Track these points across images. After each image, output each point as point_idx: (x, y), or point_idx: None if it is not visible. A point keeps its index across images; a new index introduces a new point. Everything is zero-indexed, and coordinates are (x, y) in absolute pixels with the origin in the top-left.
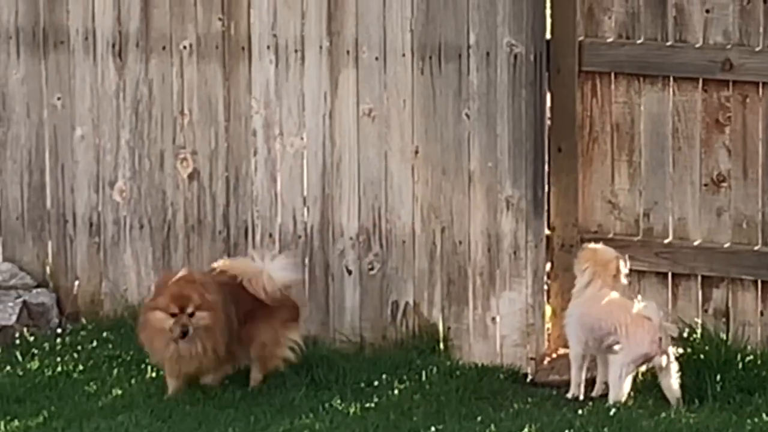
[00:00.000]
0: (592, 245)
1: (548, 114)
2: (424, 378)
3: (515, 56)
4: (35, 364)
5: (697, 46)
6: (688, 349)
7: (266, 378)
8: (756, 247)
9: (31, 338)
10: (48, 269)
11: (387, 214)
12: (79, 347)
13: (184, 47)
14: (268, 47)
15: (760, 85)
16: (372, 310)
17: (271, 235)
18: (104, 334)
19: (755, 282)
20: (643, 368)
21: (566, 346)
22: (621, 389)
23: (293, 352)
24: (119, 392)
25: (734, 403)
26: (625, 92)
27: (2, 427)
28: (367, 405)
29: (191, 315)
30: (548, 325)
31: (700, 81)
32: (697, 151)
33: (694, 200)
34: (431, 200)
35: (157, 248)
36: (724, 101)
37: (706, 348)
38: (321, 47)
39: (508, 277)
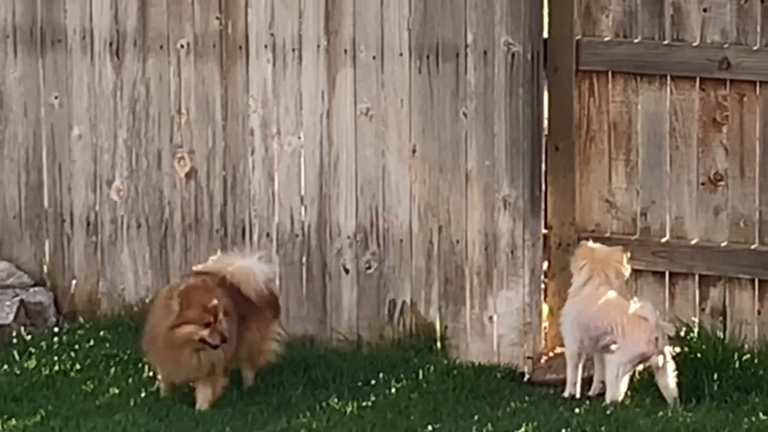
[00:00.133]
0: (589, 243)
1: (546, 113)
2: (421, 377)
3: (512, 55)
4: (32, 363)
5: (695, 45)
6: (686, 348)
7: (257, 375)
8: (753, 246)
9: (29, 337)
10: (45, 268)
11: (384, 213)
12: (77, 346)
13: (182, 46)
14: (266, 46)
15: (758, 84)
16: (369, 309)
17: (268, 235)
18: (101, 333)
19: (752, 281)
20: (639, 367)
21: (563, 345)
22: (618, 388)
23: (278, 343)
24: (116, 391)
25: (731, 402)
26: (623, 91)
27: (0, 426)
28: (365, 404)
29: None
30: (545, 324)
31: (698, 80)
32: (694, 150)
33: (692, 199)
34: (428, 199)
35: (154, 247)
36: (722, 100)
37: (703, 347)
38: (318, 46)
39: (505, 276)
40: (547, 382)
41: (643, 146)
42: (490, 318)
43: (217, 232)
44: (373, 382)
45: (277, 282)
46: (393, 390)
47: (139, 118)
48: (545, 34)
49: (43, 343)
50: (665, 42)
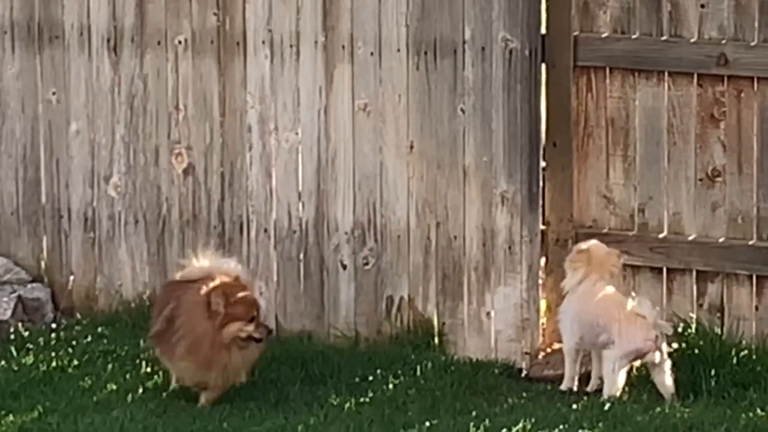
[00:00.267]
0: (584, 245)
1: (543, 109)
2: (418, 373)
3: (510, 51)
4: (30, 359)
5: (692, 40)
6: (683, 344)
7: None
8: (751, 242)
9: (26, 333)
10: (43, 264)
11: (382, 209)
12: (74, 342)
13: (179, 42)
14: (263, 42)
15: (755, 79)
16: (367, 304)
17: (266, 230)
18: (99, 329)
19: (750, 277)
20: (636, 363)
21: (561, 341)
22: (615, 384)
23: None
24: (114, 387)
25: (729, 398)
26: (620, 87)
27: None
28: (362, 400)
29: None
30: (543, 319)
31: (695, 76)
32: (692, 146)
33: (689, 195)
34: (426, 195)
35: (152, 243)
36: (719, 96)
37: (701, 343)
38: (316, 42)
39: (502, 272)
40: (544, 378)
41: (640, 142)
42: (488, 314)
43: (215, 228)
44: (370, 378)
45: (275, 278)
46: (390, 386)
47: (136, 114)
48: (543, 30)
49: (41, 339)
50: (663, 38)
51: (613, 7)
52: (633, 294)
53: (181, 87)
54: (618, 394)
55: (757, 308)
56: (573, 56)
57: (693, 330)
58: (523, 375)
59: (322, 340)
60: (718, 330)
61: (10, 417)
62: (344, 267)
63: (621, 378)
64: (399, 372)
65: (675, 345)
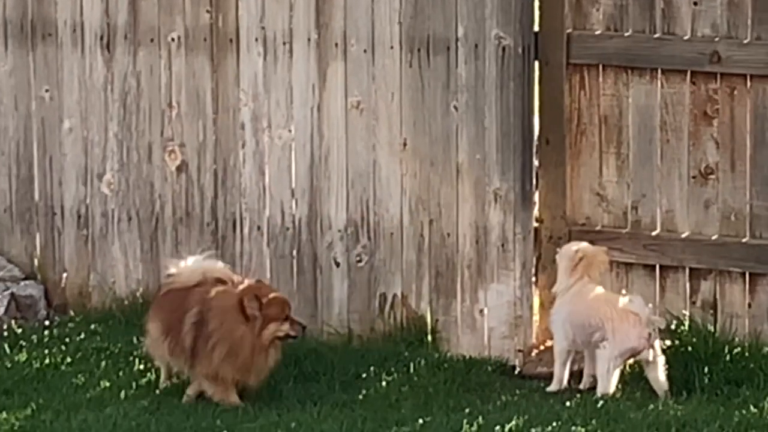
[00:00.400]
0: (574, 245)
1: (536, 106)
2: (412, 370)
3: (503, 49)
4: (23, 357)
5: (686, 38)
6: (676, 341)
7: None
8: (744, 240)
9: (19, 330)
10: (36, 261)
11: (375, 206)
12: (67, 339)
13: (172, 39)
14: (257, 40)
15: (748, 77)
16: (360, 302)
17: (259, 228)
18: (92, 327)
19: (743, 274)
20: (630, 361)
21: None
22: (609, 382)
23: None
24: (107, 384)
25: (722, 395)
26: (613, 84)
27: None
28: (355, 397)
29: None
30: (536, 317)
31: (688, 73)
32: (685, 143)
33: (682, 192)
34: (419, 193)
35: (145, 241)
36: (712, 93)
37: (694, 340)
38: (309, 40)
39: (496, 269)
40: (537, 375)
41: (633, 140)
42: (481, 311)
43: (208, 226)
44: (363, 375)
45: (268, 276)
46: (384, 383)
47: (129, 111)
48: (536, 28)
49: (34, 337)
50: (656, 35)
51: (606, 5)
52: (624, 292)
53: (174, 84)
54: (611, 392)
55: (749, 305)
56: (566, 54)
57: (686, 327)
58: (516, 372)
59: (315, 337)
60: (711, 327)
61: (4, 414)
62: (337, 264)
63: (615, 378)
64: (392, 369)
65: (668, 342)
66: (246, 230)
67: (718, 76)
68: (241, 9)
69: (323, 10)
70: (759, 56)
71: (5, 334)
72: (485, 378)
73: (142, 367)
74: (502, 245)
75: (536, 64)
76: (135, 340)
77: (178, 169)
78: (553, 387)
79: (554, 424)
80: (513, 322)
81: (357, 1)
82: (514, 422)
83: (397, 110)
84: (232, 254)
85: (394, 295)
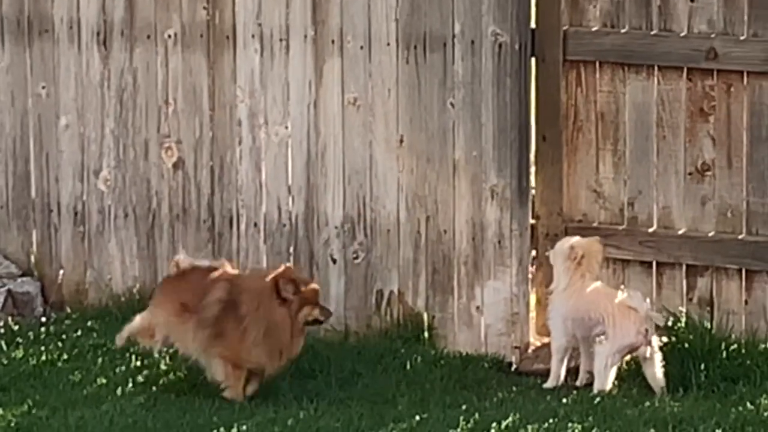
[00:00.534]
0: (567, 241)
1: (533, 103)
2: (408, 367)
3: (500, 45)
4: (20, 353)
5: (682, 35)
6: (673, 338)
7: None
8: (740, 236)
9: (16, 327)
10: (33, 258)
11: (372, 203)
12: (64, 336)
13: (169, 36)
14: (253, 36)
15: (745, 74)
16: (357, 299)
17: (256, 224)
18: (89, 323)
19: (739, 271)
20: (627, 357)
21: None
22: (606, 379)
23: None
24: (104, 381)
25: (718, 392)
26: (610, 81)
27: None
28: (352, 394)
29: None
30: (533, 314)
31: (685, 70)
32: (681, 140)
33: (679, 189)
34: (416, 189)
35: (141, 237)
36: (709, 90)
37: (691, 337)
38: (306, 36)
39: (492, 266)
40: (534, 371)
41: (630, 136)
42: (478, 308)
43: (205, 222)
44: (360, 372)
45: None
46: (380, 380)
47: (126, 108)
48: (533, 24)
49: (31, 333)
50: (652, 32)
51: (603, 1)
52: (622, 287)
53: (171, 81)
54: (608, 389)
55: (746, 302)
56: (563, 50)
57: (683, 324)
58: (512, 369)
59: (312, 333)
60: (707, 324)
61: (0, 411)
62: (334, 261)
63: (612, 374)
64: (389, 366)
65: (665, 339)
66: (243, 227)
67: (715, 72)
68: (237, 5)
69: (320, 6)
70: (755, 53)
71: (2, 330)
72: (482, 375)
73: (138, 363)
74: (499, 242)
75: (533, 60)
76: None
77: (175, 165)
78: (549, 384)
79: (551, 420)
80: (509, 318)
81: None
82: (510, 419)
83: (394, 107)
84: (229, 251)
85: (391, 292)
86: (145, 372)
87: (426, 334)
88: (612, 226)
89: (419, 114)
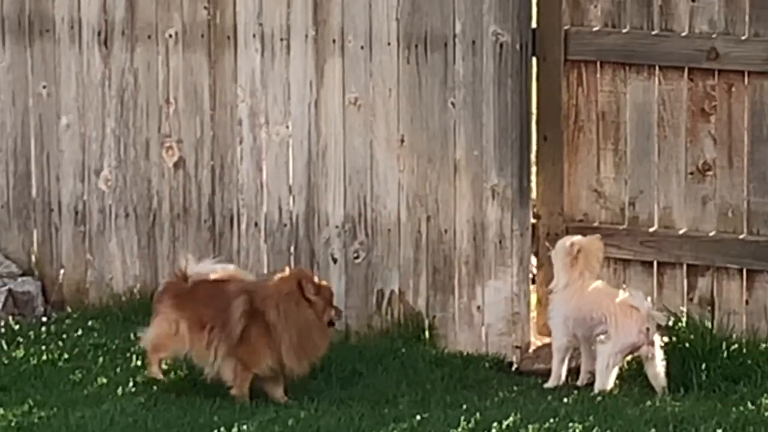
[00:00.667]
0: (568, 239)
1: (534, 103)
2: (409, 366)
3: (501, 45)
4: (20, 353)
5: (683, 35)
6: (674, 338)
7: None
8: (741, 236)
9: (17, 327)
10: (33, 258)
11: (372, 202)
12: (65, 336)
13: (170, 36)
14: (254, 36)
15: (746, 74)
16: (357, 298)
17: (256, 224)
18: (89, 323)
19: (740, 270)
20: (628, 357)
21: (551, 335)
22: (607, 379)
23: None
24: (104, 381)
25: (719, 392)
26: (611, 81)
27: None
28: (353, 393)
29: None
30: (533, 313)
31: (686, 70)
32: (682, 140)
33: (680, 189)
34: (417, 189)
35: (142, 237)
36: (710, 90)
37: (692, 336)
38: (307, 36)
39: (493, 265)
40: (535, 371)
41: (631, 136)
42: (478, 308)
43: (205, 222)
44: (361, 371)
45: (265, 272)
46: (381, 379)
47: (127, 107)
48: (534, 24)
49: (31, 333)
50: (654, 32)
51: (604, 1)
52: (623, 287)
53: (172, 80)
54: (609, 388)
55: (747, 302)
56: (564, 50)
57: (683, 324)
58: (513, 369)
59: None
60: (708, 324)
61: (1, 410)
62: (335, 261)
63: (613, 374)
64: (389, 366)
65: (666, 339)
66: (243, 226)
67: (716, 72)
68: (238, 5)
69: (321, 6)
70: (756, 53)
71: (2, 330)
72: (482, 374)
73: (139, 363)
74: (500, 242)
75: (534, 60)
76: (132, 336)
77: (176, 165)
78: (550, 383)
79: (551, 420)
80: (510, 318)
81: None
82: (511, 419)
83: (395, 106)
84: (230, 250)
85: (392, 292)
86: (146, 371)
87: (427, 334)
88: (613, 225)
89: (420, 114)
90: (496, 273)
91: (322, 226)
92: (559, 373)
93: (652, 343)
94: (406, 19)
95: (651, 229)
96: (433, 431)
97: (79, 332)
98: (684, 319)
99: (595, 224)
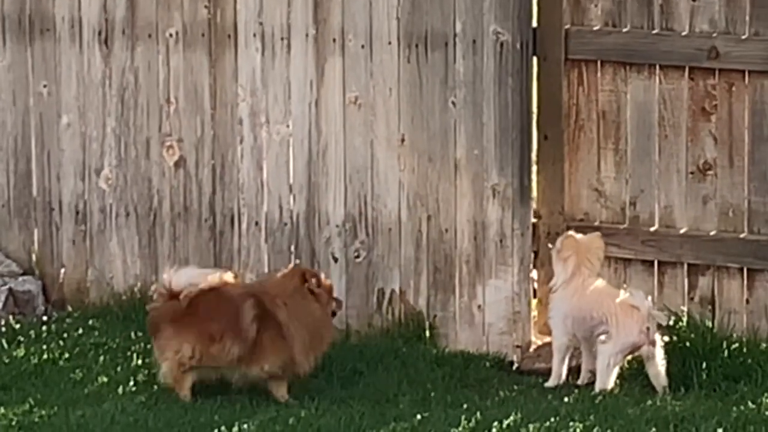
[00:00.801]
0: (571, 234)
1: (534, 102)
2: (409, 366)
3: (501, 44)
4: (21, 352)
5: (684, 34)
6: (674, 337)
7: None
8: (742, 235)
9: (17, 326)
10: (34, 257)
11: (373, 201)
12: (65, 335)
13: (170, 35)
14: (255, 35)
15: (746, 73)
16: (358, 297)
17: (257, 223)
18: (90, 322)
19: (741, 270)
20: (629, 356)
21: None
22: (608, 378)
23: None
24: (105, 380)
25: (720, 391)
26: (612, 80)
27: None
28: (353, 393)
29: None
30: (534, 312)
31: (687, 69)
32: (683, 139)
33: (680, 188)
34: (417, 188)
35: (143, 236)
36: (711, 89)
37: (692, 336)
38: (307, 35)
39: (494, 265)
40: (535, 370)
41: (632, 135)
42: (479, 307)
43: (206, 221)
44: (362, 371)
45: (266, 271)
46: (381, 379)
47: (127, 106)
48: (534, 23)
49: (32, 332)
50: (654, 31)
51: (605, 1)
52: (624, 286)
53: (172, 80)
54: (610, 388)
55: (747, 301)
56: (564, 49)
57: (684, 323)
58: (514, 368)
59: None
60: (709, 323)
61: (1, 410)
62: (335, 260)
63: (614, 374)
64: (390, 365)
65: (666, 338)
66: (244, 226)
67: (717, 71)
68: (239, 4)
69: (321, 5)
70: (757, 52)
71: (3, 329)
72: (483, 374)
73: (139, 362)
74: (500, 241)
75: (534, 59)
76: (133, 335)
77: (176, 164)
78: (551, 382)
79: (552, 419)
80: (511, 317)
81: None
82: (512, 418)
83: (395, 106)
84: (230, 250)
85: (392, 291)
86: (146, 371)
87: (427, 333)
88: (613, 225)
89: (420, 113)
90: (497, 272)
91: (322, 225)
92: (559, 373)
93: (652, 343)
94: (407, 18)
95: (652, 229)
96: (433, 430)
97: (80, 331)
98: (684, 319)
99: (596, 223)
